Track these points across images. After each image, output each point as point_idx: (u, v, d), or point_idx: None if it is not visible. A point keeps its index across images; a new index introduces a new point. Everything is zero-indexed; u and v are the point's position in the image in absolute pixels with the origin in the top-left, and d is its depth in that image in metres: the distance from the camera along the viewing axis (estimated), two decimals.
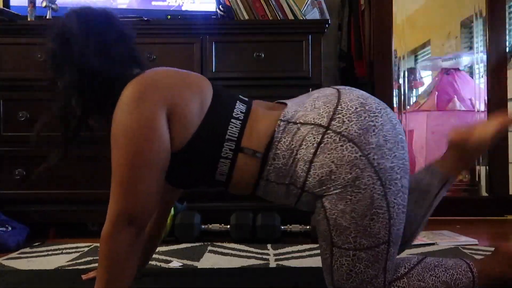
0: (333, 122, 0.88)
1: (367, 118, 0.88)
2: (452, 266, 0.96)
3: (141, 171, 0.86)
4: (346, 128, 0.87)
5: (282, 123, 0.92)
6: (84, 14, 0.99)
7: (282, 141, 0.90)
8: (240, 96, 1.02)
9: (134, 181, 0.85)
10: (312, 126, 0.89)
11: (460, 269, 0.96)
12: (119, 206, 0.85)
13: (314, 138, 0.88)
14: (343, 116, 0.89)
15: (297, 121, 0.92)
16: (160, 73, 0.96)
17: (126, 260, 0.87)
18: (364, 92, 0.97)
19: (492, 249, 1.06)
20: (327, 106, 0.91)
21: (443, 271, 0.95)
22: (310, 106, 0.94)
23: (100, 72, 0.95)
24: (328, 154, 0.86)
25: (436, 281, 0.93)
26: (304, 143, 0.89)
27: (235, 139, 0.91)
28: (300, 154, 0.89)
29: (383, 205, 0.87)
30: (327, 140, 0.87)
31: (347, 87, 0.99)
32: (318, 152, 0.87)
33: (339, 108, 0.90)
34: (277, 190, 0.95)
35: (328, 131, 0.88)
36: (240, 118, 0.93)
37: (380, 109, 0.92)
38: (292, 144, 0.90)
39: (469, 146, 1.03)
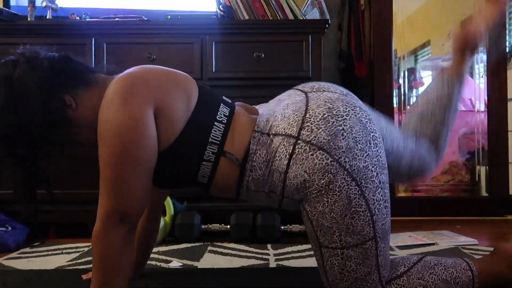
0: (302, 132, 0.90)
1: (335, 123, 0.90)
2: (451, 265, 0.97)
3: (130, 168, 0.85)
4: (315, 137, 0.89)
5: (256, 134, 0.94)
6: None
7: (257, 153, 0.93)
8: (224, 98, 1.02)
9: (124, 178, 0.85)
10: (283, 137, 0.91)
11: (459, 268, 0.96)
12: (109, 204, 0.85)
13: (286, 149, 0.90)
14: (311, 124, 0.90)
15: (270, 133, 0.94)
16: (147, 71, 0.95)
17: (119, 258, 0.87)
18: (332, 94, 0.97)
19: (492, 249, 1.07)
20: (296, 115, 0.93)
21: (442, 269, 0.95)
22: (280, 116, 0.95)
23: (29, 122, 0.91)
24: (300, 164, 0.89)
25: (436, 280, 0.94)
26: (277, 155, 0.91)
27: (218, 142, 0.92)
28: (274, 166, 0.91)
29: (361, 203, 0.88)
30: (298, 151, 0.89)
31: (314, 91, 0.99)
32: (291, 163, 0.89)
33: (307, 116, 0.92)
34: (259, 197, 0.98)
35: (298, 141, 0.90)
36: (223, 121, 0.94)
37: (348, 111, 0.92)
38: (267, 156, 0.92)
39: (471, 39, 1.17)
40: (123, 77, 0.91)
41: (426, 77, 3.29)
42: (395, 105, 2.61)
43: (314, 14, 2.09)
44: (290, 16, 1.96)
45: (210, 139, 0.92)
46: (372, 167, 0.89)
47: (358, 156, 0.88)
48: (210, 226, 1.86)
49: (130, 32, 1.94)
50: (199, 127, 0.92)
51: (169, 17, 2.04)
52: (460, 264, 0.97)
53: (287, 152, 0.90)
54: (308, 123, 0.90)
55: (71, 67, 0.97)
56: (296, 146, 0.89)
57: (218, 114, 0.95)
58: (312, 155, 0.88)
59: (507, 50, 2.59)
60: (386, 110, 2.54)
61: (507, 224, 2.35)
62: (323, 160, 0.87)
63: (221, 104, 0.98)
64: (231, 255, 1.57)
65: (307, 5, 2.15)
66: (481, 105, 2.63)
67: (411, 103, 3.18)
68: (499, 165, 2.56)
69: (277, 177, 0.92)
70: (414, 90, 3.26)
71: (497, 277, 0.99)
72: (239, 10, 1.97)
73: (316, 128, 0.89)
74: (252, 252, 1.61)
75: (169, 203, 1.82)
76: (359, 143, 0.89)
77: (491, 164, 2.57)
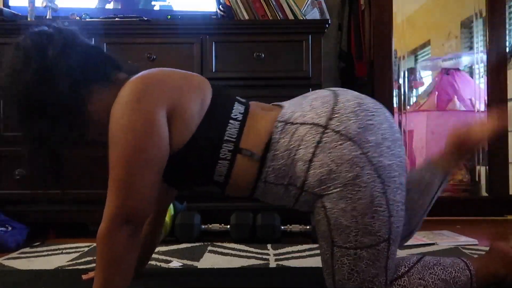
0: (331, 122, 0.88)
1: (365, 117, 0.89)
2: (450, 265, 0.97)
3: (140, 170, 0.85)
4: (345, 127, 0.87)
5: (280, 124, 0.92)
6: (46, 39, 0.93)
7: (280, 142, 0.90)
8: (238, 97, 1.01)
9: (133, 179, 0.85)
10: (311, 125, 0.89)
11: (458, 267, 0.97)
12: (116, 204, 0.84)
13: (313, 137, 0.88)
14: (341, 115, 0.89)
15: (295, 122, 0.92)
16: (161, 73, 0.95)
17: (123, 259, 0.86)
18: (359, 93, 0.98)
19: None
20: (325, 106, 0.92)
21: (442, 269, 0.95)
22: (308, 107, 0.94)
23: (55, 105, 0.91)
24: (328, 153, 0.86)
25: (436, 279, 0.94)
26: (303, 143, 0.89)
27: (234, 140, 0.91)
28: (299, 154, 0.89)
29: (382, 202, 0.87)
30: (326, 139, 0.87)
31: (342, 89, 1.00)
32: (317, 152, 0.87)
33: (336, 108, 0.91)
34: (276, 191, 0.95)
35: (327, 130, 0.88)
36: (238, 119, 0.93)
37: (377, 108, 0.93)
38: (291, 145, 0.90)
39: (467, 146, 1.09)
40: (137, 78, 0.90)
41: (426, 77, 3.29)
42: (395, 105, 2.61)
43: (314, 14, 2.09)
44: (290, 16, 1.96)
45: (225, 137, 0.91)
46: (396, 166, 0.89)
47: (384, 153, 0.87)
48: (210, 226, 1.86)
49: (130, 32, 1.94)
50: (214, 125, 0.91)
51: (169, 17, 2.05)
52: (459, 264, 0.98)
53: (314, 140, 0.87)
54: (338, 114, 0.89)
55: (102, 60, 0.98)
56: (324, 135, 0.87)
57: (233, 112, 0.94)
58: (341, 144, 0.86)
59: (507, 50, 2.59)
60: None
61: (507, 224, 2.35)
62: (351, 152, 0.85)
63: (236, 102, 0.97)
64: (231, 255, 1.57)
65: (307, 5, 2.15)
66: (481, 105, 2.63)
67: (411, 103, 3.18)
68: (499, 165, 2.56)
69: (300, 167, 0.89)
70: (414, 90, 3.26)
71: (494, 276, 0.99)
72: (239, 10, 1.97)
73: (347, 119, 0.88)
74: (252, 252, 1.61)
75: None
76: (386, 140, 0.88)
77: (491, 164, 2.57)
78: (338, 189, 0.86)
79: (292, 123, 0.92)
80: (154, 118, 0.86)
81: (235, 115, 0.94)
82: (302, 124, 0.91)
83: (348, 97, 0.93)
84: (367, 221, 0.86)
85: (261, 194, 0.98)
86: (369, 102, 0.94)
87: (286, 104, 1.00)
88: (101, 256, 0.86)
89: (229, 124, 0.92)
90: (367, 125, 0.88)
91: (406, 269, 0.95)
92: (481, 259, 1.04)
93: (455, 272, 0.96)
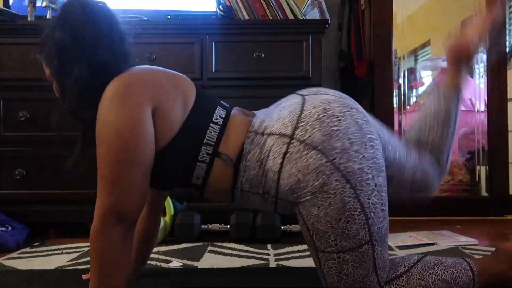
0: (296, 131, 0.89)
1: (330, 124, 0.89)
2: (452, 265, 0.96)
3: (128, 167, 0.86)
4: (309, 136, 0.88)
5: (250, 134, 0.94)
6: (90, 7, 0.96)
7: (251, 153, 0.92)
8: (221, 101, 1.03)
9: (122, 177, 0.86)
10: (278, 136, 0.91)
11: (460, 268, 0.96)
12: (107, 202, 0.85)
13: (280, 148, 0.89)
14: (306, 123, 0.90)
15: (264, 132, 0.93)
16: (145, 72, 0.96)
17: (117, 256, 0.87)
18: (329, 96, 0.97)
19: (493, 249, 1.06)
20: (291, 115, 0.93)
21: (443, 269, 0.95)
22: (276, 116, 0.95)
23: (108, 67, 0.94)
24: (294, 164, 0.88)
25: (436, 280, 0.93)
26: (271, 154, 0.90)
27: (213, 143, 0.93)
28: (268, 165, 0.90)
29: (356, 206, 0.86)
30: (292, 150, 0.88)
31: (313, 93, 0.99)
32: (285, 162, 0.88)
33: (302, 116, 0.91)
34: (253, 199, 0.96)
35: (292, 141, 0.89)
36: (219, 123, 0.95)
37: (344, 112, 0.92)
38: (261, 155, 0.91)
39: (466, 50, 1.12)
40: (122, 77, 0.91)
41: (426, 77, 3.29)
42: (395, 105, 2.61)
43: (314, 14, 2.09)
44: (290, 16, 1.96)
45: (205, 140, 0.92)
46: (368, 169, 0.88)
47: (353, 158, 0.87)
48: (210, 226, 1.86)
49: (130, 32, 1.93)
50: (195, 128, 0.93)
51: (169, 17, 2.04)
52: (461, 264, 0.97)
53: (280, 151, 0.89)
54: (303, 123, 0.90)
55: (123, 51, 1.00)
56: (290, 146, 0.89)
57: (214, 116, 0.96)
58: (306, 154, 0.87)
59: (507, 50, 2.59)
60: (386, 110, 2.54)
61: (507, 224, 2.35)
62: (317, 161, 0.86)
63: (218, 106, 0.99)
64: (231, 255, 1.57)
65: (307, 5, 2.15)
66: (481, 105, 2.63)
67: (411, 103, 3.18)
68: (499, 165, 2.56)
69: (270, 177, 0.91)
70: (414, 90, 3.26)
71: (498, 277, 0.98)
72: (239, 10, 1.97)
73: (311, 128, 0.89)
74: (252, 252, 1.61)
75: (169, 203, 1.82)
76: (354, 145, 0.88)
77: (491, 164, 2.57)
78: (309, 197, 0.87)
79: (262, 134, 0.93)
80: (140, 115, 0.87)
81: (216, 119, 0.95)
82: (270, 134, 0.92)
83: (315, 103, 0.93)
84: (342, 225, 0.87)
85: (240, 202, 0.99)
86: (336, 107, 0.92)
87: (258, 113, 1.03)
88: (94, 254, 0.87)
89: (209, 128, 0.93)
90: (332, 132, 0.88)
91: (405, 269, 0.94)
92: (486, 259, 1.03)
93: (457, 273, 0.95)
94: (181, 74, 1.03)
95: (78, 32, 0.93)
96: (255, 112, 1.04)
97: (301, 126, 0.90)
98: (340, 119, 0.90)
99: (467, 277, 0.95)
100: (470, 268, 0.96)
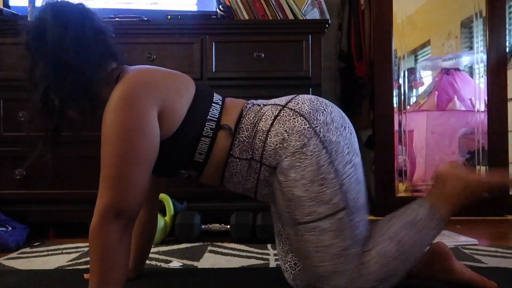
0: (289, 103, 1.03)
1: (318, 105, 1.01)
2: (409, 207, 1.03)
3: (132, 165, 0.90)
4: (299, 107, 1.00)
5: (248, 104, 1.06)
6: (60, 8, 1.01)
7: (247, 117, 1.02)
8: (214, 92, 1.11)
9: (125, 174, 0.89)
10: (272, 105, 1.04)
11: (415, 206, 1.02)
12: (108, 199, 0.88)
13: (272, 112, 1.01)
14: (298, 99, 1.03)
15: (261, 104, 1.07)
16: (149, 73, 1.01)
17: (116, 252, 0.89)
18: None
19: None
20: (285, 98, 1.07)
21: (400, 215, 1.01)
22: (271, 101, 1.08)
23: (74, 66, 0.97)
24: (282, 124, 0.98)
25: (398, 228, 0.97)
26: (264, 117, 1.01)
27: (216, 119, 1.01)
28: (259, 126, 1.00)
29: (330, 171, 0.93)
30: (283, 114, 1.00)
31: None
32: (274, 123, 0.99)
33: (296, 97, 1.05)
34: (240, 169, 1.01)
35: (285, 108, 1.01)
36: (219, 103, 1.05)
37: (332, 104, 1.05)
38: (255, 119, 1.02)
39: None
40: (127, 80, 0.96)
41: (426, 77, 3.29)
42: (395, 105, 2.61)
43: (314, 14, 2.09)
44: (290, 16, 1.96)
45: (208, 117, 1.00)
46: (344, 145, 0.97)
47: (332, 131, 0.97)
48: (210, 226, 1.86)
49: (130, 32, 1.93)
50: (198, 110, 1.00)
51: (169, 17, 2.04)
52: (415, 203, 1.03)
53: (273, 114, 1.01)
54: (296, 99, 1.04)
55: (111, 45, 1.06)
56: (282, 111, 1.01)
57: (214, 98, 1.05)
58: (294, 118, 0.98)
59: (507, 50, 2.59)
60: (386, 110, 2.54)
61: (507, 224, 2.35)
62: (301, 125, 0.97)
63: (214, 93, 1.09)
64: (231, 255, 1.57)
65: (307, 5, 2.15)
66: (481, 105, 2.63)
67: (411, 103, 3.18)
68: (499, 165, 2.56)
69: (259, 137, 0.99)
70: (414, 90, 3.26)
71: (453, 200, 1.02)
72: (239, 10, 1.97)
73: (302, 102, 1.02)
74: (252, 252, 1.61)
75: (169, 203, 1.82)
76: (335, 123, 0.99)
77: (491, 164, 2.57)
78: (288, 158, 0.95)
79: (258, 105, 1.06)
80: (145, 116, 0.92)
81: (216, 100, 1.05)
82: (265, 105, 1.05)
83: (306, 96, 1.06)
84: (316, 188, 0.93)
85: (229, 177, 1.03)
86: (324, 100, 1.05)
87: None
88: (94, 250, 0.89)
89: (212, 107, 1.02)
90: (318, 108, 1.00)
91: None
92: (435, 191, 1.05)
93: (412, 210, 1.00)
94: (179, 72, 1.09)
95: (40, 34, 0.98)
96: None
97: (293, 100, 1.03)
98: (328, 105, 1.03)
99: (424, 208, 1.00)
100: (424, 202, 1.01)
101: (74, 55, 0.96)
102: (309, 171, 0.93)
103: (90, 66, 0.98)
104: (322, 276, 0.94)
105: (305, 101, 1.02)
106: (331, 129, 0.97)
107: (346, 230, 0.93)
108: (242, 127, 1.01)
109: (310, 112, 0.99)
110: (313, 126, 0.96)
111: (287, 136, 0.96)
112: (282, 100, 1.05)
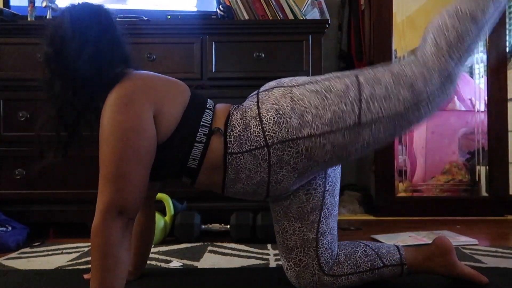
0: (260, 89, 1.10)
1: (281, 79, 1.10)
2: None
3: (129, 163, 0.91)
4: (269, 85, 1.10)
5: (234, 106, 1.10)
6: (78, 14, 1.03)
7: (234, 115, 1.05)
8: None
9: (124, 174, 0.91)
10: (249, 98, 1.11)
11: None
12: (108, 198, 0.90)
13: (252, 100, 1.08)
14: (265, 85, 1.12)
15: (242, 103, 1.11)
16: (145, 77, 1.03)
17: (118, 250, 0.90)
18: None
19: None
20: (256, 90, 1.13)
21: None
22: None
23: (91, 82, 1.00)
24: (266, 101, 1.03)
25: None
26: (247, 109, 1.05)
27: (208, 125, 1.02)
28: (248, 116, 1.03)
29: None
30: (261, 96, 1.06)
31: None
32: (260, 106, 1.03)
33: (263, 86, 1.13)
34: (245, 162, 1.00)
35: (260, 93, 1.08)
36: (212, 109, 1.07)
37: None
38: (241, 114, 1.04)
39: (439, 258, 1.13)
40: (124, 84, 0.97)
41: None
42: None
43: (314, 14, 2.09)
44: (290, 16, 1.96)
45: (201, 123, 1.02)
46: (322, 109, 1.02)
47: (306, 93, 1.03)
48: (210, 226, 1.86)
49: (130, 32, 1.93)
50: (192, 116, 1.02)
51: (169, 17, 2.04)
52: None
53: (254, 101, 1.06)
54: (263, 86, 1.12)
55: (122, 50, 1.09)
56: (259, 94, 1.07)
57: (207, 104, 1.07)
58: (272, 93, 1.05)
59: (507, 50, 2.59)
60: None
61: (507, 224, 2.35)
62: (280, 91, 1.04)
63: (208, 99, 1.11)
64: (231, 255, 1.57)
65: (307, 5, 2.15)
66: (481, 105, 2.63)
67: None
68: (499, 165, 2.56)
69: (254, 125, 1.01)
70: None
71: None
72: (239, 10, 1.97)
73: (269, 84, 1.11)
74: (252, 252, 1.61)
75: (169, 203, 1.82)
76: (309, 93, 1.04)
77: (491, 164, 2.57)
78: (292, 116, 0.99)
79: (240, 104, 1.10)
80: (142, 116, 0.94)
81: (209, 106, 1.07)
82: (245, 102, 1.11)
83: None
84: (335, 99, 1.01)
85: (234, 175, 1.02)
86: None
87: None
88: (96, 249, 0.90)
89: (205, 113, 1.04)
90: (283, 79, 1.10)
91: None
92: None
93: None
94: (175, 79, 1.11)
95: (60, 46, 1.00)
96: None
97: (262, 87, 1.11)
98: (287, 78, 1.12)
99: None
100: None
101: (94, 71, 0.99)
102: (316, 100, 1.00)
103: (107, 81, 0.99)
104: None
105: (270, 82, 1.11)
106: (305, 92, 1.03)
107: (355, 142, 1.01)
108: (233, 124, 1.03)
109: (278, 82, 1.08)
110: (290, 85, 1.05)
111: (278, 106, 1.00)
112: (254, 92, 1.12)
